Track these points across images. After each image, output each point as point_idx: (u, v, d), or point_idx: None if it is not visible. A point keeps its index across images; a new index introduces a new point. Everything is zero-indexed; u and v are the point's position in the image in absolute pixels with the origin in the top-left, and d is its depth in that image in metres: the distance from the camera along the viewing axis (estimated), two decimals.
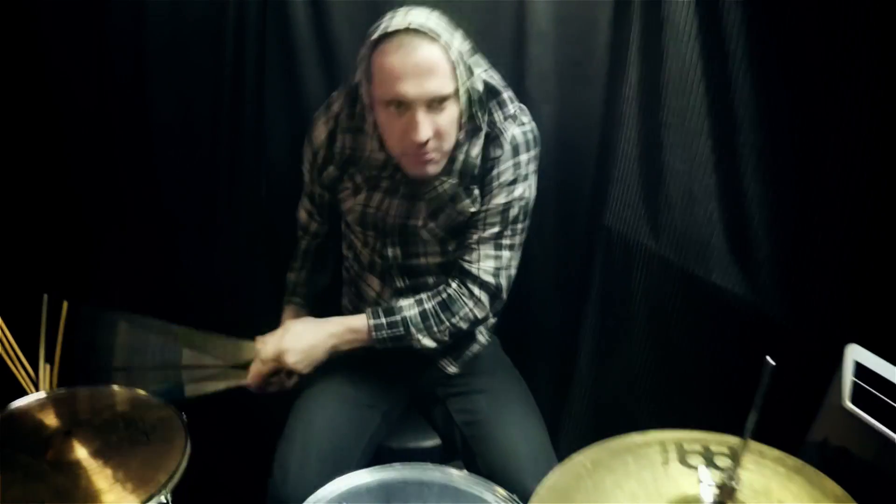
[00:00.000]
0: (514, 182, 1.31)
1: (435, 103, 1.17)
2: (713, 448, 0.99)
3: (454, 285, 1.37)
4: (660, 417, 1.59)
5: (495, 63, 1.38)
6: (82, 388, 1.38)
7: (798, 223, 1.31)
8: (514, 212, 1.33)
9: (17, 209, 1.73)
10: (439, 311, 1.36)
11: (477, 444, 1.35)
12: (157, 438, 1.19)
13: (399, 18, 1.16)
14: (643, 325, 1.61)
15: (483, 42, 1.34)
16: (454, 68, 1.17)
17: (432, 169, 1.26)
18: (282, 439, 1.36)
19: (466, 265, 1.36)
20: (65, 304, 1.47)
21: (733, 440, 1.00)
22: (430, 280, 1.42)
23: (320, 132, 1.37)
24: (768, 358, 0.82)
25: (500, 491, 1.10)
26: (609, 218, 1.61)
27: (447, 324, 1.36)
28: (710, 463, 0.96)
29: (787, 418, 1.25)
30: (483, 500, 1.10)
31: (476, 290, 1.36)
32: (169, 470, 1.11)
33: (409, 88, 1.15)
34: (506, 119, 1.30)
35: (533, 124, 1.34)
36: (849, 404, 1.19)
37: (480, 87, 1.25)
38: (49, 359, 1.47)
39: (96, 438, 1.16)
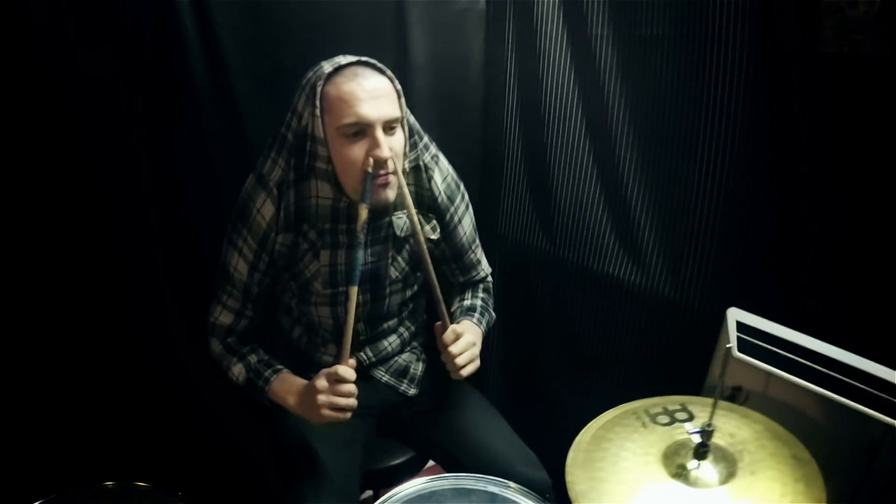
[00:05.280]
0: (462, 197, 1.45)
1: (388, 126, 1.24)
2: (669, 407, 1.21)
3: (481, 294, 1.54)
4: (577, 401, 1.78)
5: None
6: None
7: (678, 216, 1.55)
8: (473, 217, 1.50)
9: None
10: (490, 315, 1.52)
11: (459, 450, 1.42)
12: None
13: (341, 58, 1.23)
14: (546, 319, 1.80)
15: None
16: (399, 97, 1.26)
17: (391, 194, 1.28)
18: (293, 495, 1.32)
19: (476, 276, 1.55)
20: None
21: (684, 398, 1.23)
22: (390, 324, 1.48)
23: (268, 209, 1.31)
24: None
25: (513, 485, 1.26)
26: (503, 228, 1.79)
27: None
28: (675, 419, 1.17)
29: (688, 369, 1.51)
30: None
31: (489, 285, 1.59)
32: None
33: (370, 110, 1.20)
34: (434, 156, 1.42)
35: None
36: (738, 354, 1.48)
37: (413, 122, 1.35)
38: None
39: None
